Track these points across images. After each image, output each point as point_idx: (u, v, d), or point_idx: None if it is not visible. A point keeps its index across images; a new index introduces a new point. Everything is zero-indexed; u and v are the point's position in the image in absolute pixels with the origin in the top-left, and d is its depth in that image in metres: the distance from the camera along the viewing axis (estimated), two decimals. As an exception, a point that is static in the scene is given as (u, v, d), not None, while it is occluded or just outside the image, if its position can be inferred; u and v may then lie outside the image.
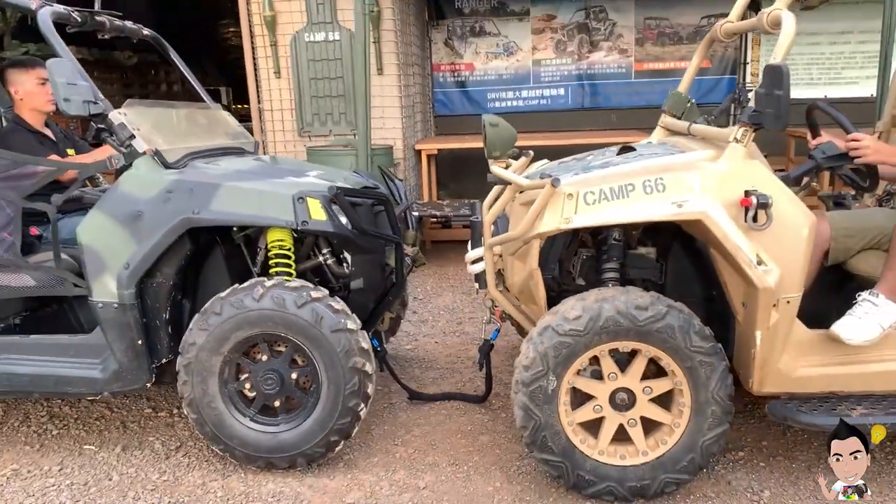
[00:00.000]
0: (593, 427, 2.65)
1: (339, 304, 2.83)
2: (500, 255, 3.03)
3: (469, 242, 3.29)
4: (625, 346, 2.53)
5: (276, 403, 2.87)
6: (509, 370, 3.76)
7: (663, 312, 2.48)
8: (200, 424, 2.85)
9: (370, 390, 2.84)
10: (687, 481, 2.60)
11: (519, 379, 2.58)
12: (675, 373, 2.53)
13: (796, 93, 7.94)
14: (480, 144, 6.81)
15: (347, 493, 2.74)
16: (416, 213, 6.10)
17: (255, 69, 6.24)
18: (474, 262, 3.08)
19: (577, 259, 3.05)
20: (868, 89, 7.55)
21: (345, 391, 2.75)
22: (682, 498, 2.64)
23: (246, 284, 2.81)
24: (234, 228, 3.13)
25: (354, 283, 3.20)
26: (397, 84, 6.23)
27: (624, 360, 2.60)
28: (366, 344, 2.83)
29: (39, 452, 3.11)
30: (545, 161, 3.60)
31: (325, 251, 3.20)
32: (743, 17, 3.32)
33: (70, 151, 3.73)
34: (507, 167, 3.05)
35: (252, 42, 6.19)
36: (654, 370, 2.61)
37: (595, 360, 2.58)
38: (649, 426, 2.63)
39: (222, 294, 2.80)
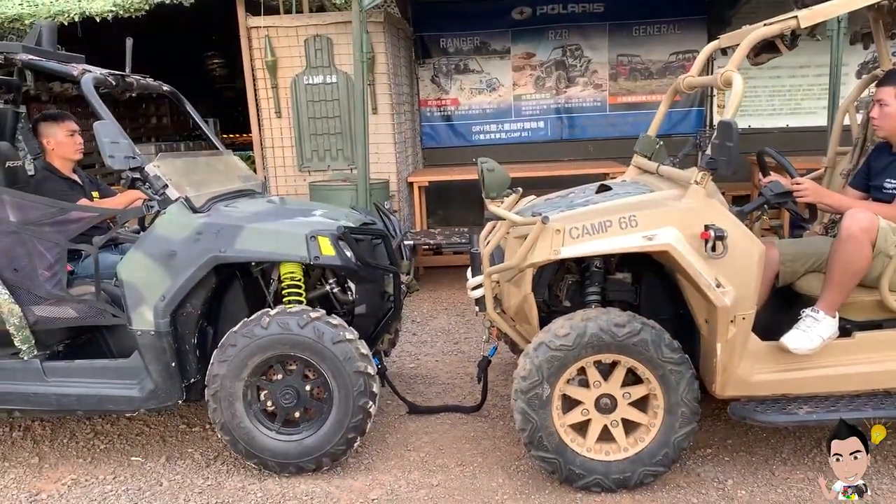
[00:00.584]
0: (582, 428, 3.09)
1: (336, 320, 3.25)
2: (498, 282, 3.48)
3: (469, 271, 3.74)
4: (607, 358, 2.98)
5: (297, 414, 3.28)
6: (504, 383, 4.22)
7: (638, 329, 2.94)
8: (234, 444, 3.25)
9: (375, 389, 3.26)
10: (662, 473, 3.04)
11: (518, 388, 3.01)
12: (649, 380, 2.99)
13: (760, 122, 8.58)
14: (467, 176, 7.40)
15: (370, 490, 3.16)
16: (410, 242, 6.55)
17: (258, 110, 6.68)
18: (474, 288, 3.53)
19: (563, 284, 3.51)
20: (824, 119, 8.13)
21: (353, 393, 3.17)
22: (659, 488, 3.08)
23: (254, 316, 3.24)
24: (253, 263, 3.54)
25: (358, 309, 3.62)
26: (391, 122, 6.69)
27: (606, 370, 3.05)
28: (365, 350, 3.25)
29: (92, 464, 3.50)
30: (532, 197, 4.06)
31: (331, 281, 3.62)
32: (705, 72, 3.83)
33: (95, 194, 4.12)
34: (500, 203, 3.52)
35: (254, 84, 6.63)
36: (632, 378, 3.06)
37: (582, 370, 3.02)
38: (629, 426, 3.08)
39: (235, 329, 3.22)
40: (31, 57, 3.42)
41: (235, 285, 3.56)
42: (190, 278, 3.20)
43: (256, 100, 6.66)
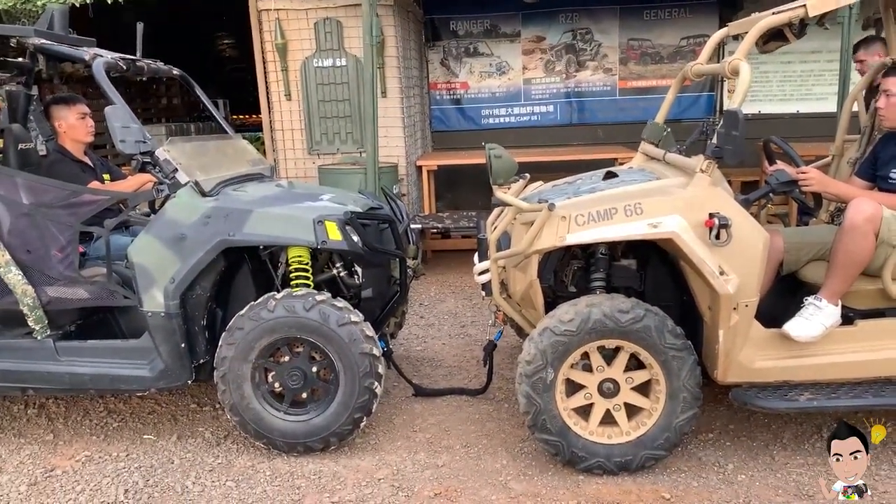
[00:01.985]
0: (584, 412, 3.14)
1: (341, 302, 3.31)
2: (504, 268, 3.53)
3: (476, 256, 3.78)
4: (610, 343, 3.03)
5: (304, 396, 3.35)
6: (510, 367, 4.27)
7: (642, 315, 2.98)
8: (243, 425, 3.32)
9: (381, 370, 3.32)
10: (664, 457, 3.09)
11: (522, 372, 3.06)
12: (652, 365, 3.03)
13: (771, 108, 8.53)
14: (475, 161, 7.42)
15: (377, 470, 3.22)
16: (418, 226, 6.60)
17: (268, 92, 6.71)
18: (481, 273, 3.58)
19: (569, 270, 3.54)
20: (836, 105, 8.10)
21: (359, 374, 3.23)
22: (661, 471, 3.13)
23: (260, 300, 3.30)
24: (261, 247, 3.60)
25: (364, 293, 3.67)
26: (400, 105, 6.72)
27: (609, 355, 3.09)
28: (370, 332, 3.31)
29: (105, 441, 3.58)
30: (540, 183, 4.08)
31: (338, 265, 3.67)
32: (714, 59, 3.83)
33: (106, 177, 4.17)
34: (507, 189, 3.55)
35: (265, 67, 6.66)
36: (635, 363, 3.10)
37: (585, 355, 3.07)
38: (631, 410, 3.13)
39: (242, 312, 3.28)
40: (43, 41, 3.46)
41: (244, 268, 3.62)
42: (199, 261, 3.26)
43: (266, 82, 6.69)
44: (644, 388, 3.12)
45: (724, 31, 3.74)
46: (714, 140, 3.01)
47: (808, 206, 3.39)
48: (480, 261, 3.62)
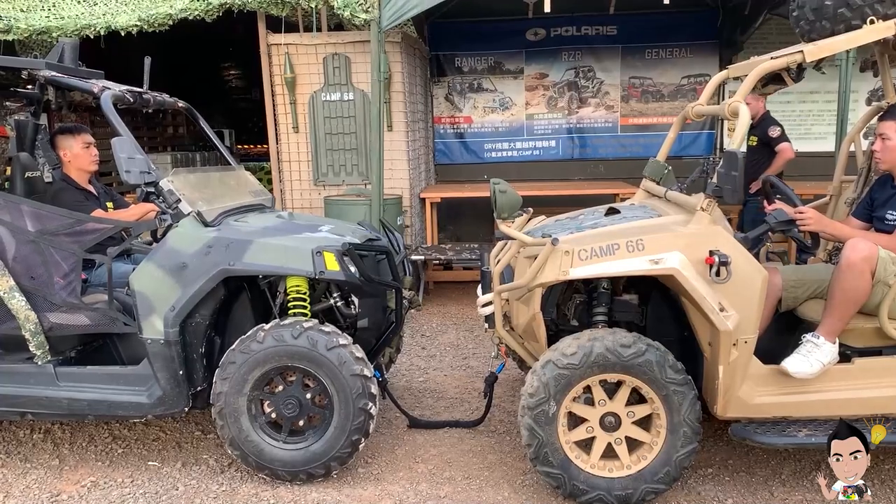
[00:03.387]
0: (586, 445, 3.18)
1: (329, 327, 3.37)
2: (507, 300, 3.59)
3: (479, 288, 3.84)
4: (612, 377, 3.08)
5: (301, 423, 3.39)
6: (511, 399, 4.31)
7: (643, 350, 3.03)
8: (244, 458, 3.36)
9: (374, 389, 3.36)
10: (664, 491, 3.13)
11: (525, 404, 3.11)
12: (653, 400, 3.08)
13: (770, 147, 8.62)
14: (477, 193, 7.51)
15: (379, 500, 3.25)
16: (421, 257, 6.68)
17: (276, 124, 6.82)
18: (485, 305, 3.63)
19: (571, 304, 3.61)
20: (834, 145, 8.23)
21: (352, 396, 3.28)
22: (660, 505, 3.17)
23: (249, 333, 3.36)
24: (260, 276, 3.66)
25: (361, 323, 3.73)
26: (405, 139, 6.83)
27: (612, 389, 3.14)
28: (359, 353, 3.36)
29: (110, 467, 3.60)
30: (543, 217, 4.16)
31: (335, 295, 3.73)
32: (714, 99, 3.93)
33: (109, 205, 4.25)
34: (511, 223, 3.63)
35: (273, 100, 6.79)
36: (636, 397, 3.15)
37: (588, 388, 3.12)
38: (632, 444, 3.17)
39: (233, 346, 3.35)
40: (53, 74, 3.57)
41: (243, 297, 3.70)
42: (199, 290, 3.32)
43: (275, 115, 6.81)
44: (645, 422, 3.16)
45: (724, 73, 3.85)
46: (714, 179, 3.10)
47: (805, 245, 3.46)
48: (484, 293, 3.68)
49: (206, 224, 3.42)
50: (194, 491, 3.35)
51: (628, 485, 3.11)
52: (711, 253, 2.96)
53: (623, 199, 6.44)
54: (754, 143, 6.33)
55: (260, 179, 17.93)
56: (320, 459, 3.34)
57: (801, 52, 3.11)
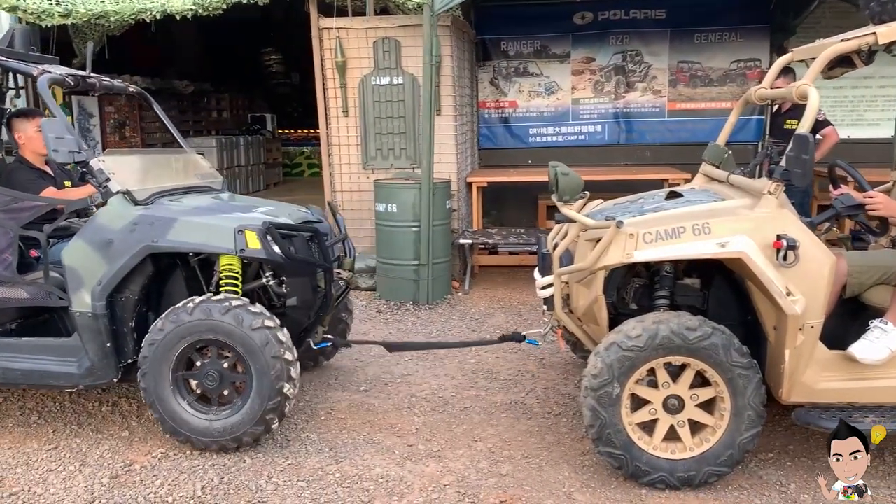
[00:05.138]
0: (647, 426, 3.20)
1: (258, 308, 3.45)
2: (567, 283, 3.61)
3: (536, 271, 3.87)
4: (676, 360, 3.09)
5: (219, 396, 3.50)
6: (564, 382, 4.36)
7: (709, 333, 3.03)
8: (162, 420, 3.50)
9: (293, 374, 3.45)
10: (726, 473, 3.13)
11: (588, 385, 3.13)
12: (717, 383, 3.08)
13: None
14: (524, 178, 7.50)
15: (442, 477, 3.31)
16: (468, 241, 6.72)
17: (326, 109, 6.89)
18: (544, 287, 3.66)
19: (630, 287, 3.62)
20: (888, 131, 8.06)
21: (271, 377, 3.36)
22: (723, 488, 3.17)
23: (181, 304, 3.47)
24: (190, 254, 3.76)
25: (290, 301, 3.81)
26: (453, 123, 6.85)
27: (675, 372, 3.15)
28: (283, 337, 3.44)
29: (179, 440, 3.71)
30: (599, 201, 4.15)
31: (268, 274, 3.81)
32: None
33: (67, 184, 4.35)
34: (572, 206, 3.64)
35: (324, 84, 6.84)
36: (699, 380, 3.16)
37: (651, 371, 3.13)
38: (695, 427, 3.18)
39: (164, 315, 3.46)
40: None
41: (177, 274, 3.82)
42: (124, 265, 3.47)
43: (325, 99, 6.87)
44: (708, 406, 3.17)
45: (788, 56, 3.81)
46: (783, 163, 3.08)
47: (873, 231, 3.42)
48: (543, 276, 3.71)
49: (136, 203, 3.54)
50: (261, 464, 3.44)
51: (691, 467, 3.12)
52: (779, 237, 2.95)
53: (672, 185, 6.38)
54: (794, 127, 6.24)
55: (299, 164, 18.10)
56: (231, 434, 3.44)
57: (874, 34, 3.06)
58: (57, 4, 6.64)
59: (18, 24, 6.26)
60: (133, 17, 6.60)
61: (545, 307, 3.74)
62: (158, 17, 6.61)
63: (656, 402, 3.15)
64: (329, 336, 4.24)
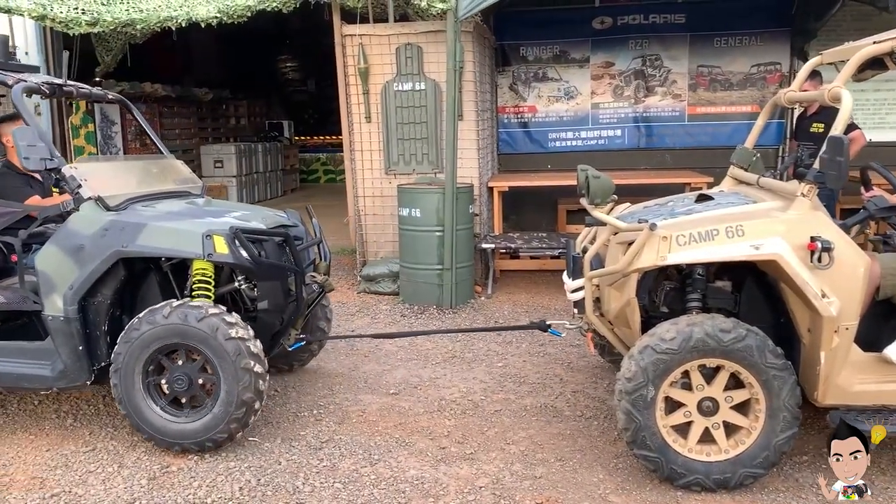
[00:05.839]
0: (682, 429, 3.21)
1: (233, 317, 3.49)
2: (598, 286, 3.62)
3: (565, 274, 3.89)
4: (711, 362, 3.10)
5: (184, 400, 3.54)
6: (594, 385, 4.37)
7: (744, 335, 3.04)
8: (130, 417, 3.54)
9: (262, 387, 3.49)
10: (762, 475, 3.14)
11: (622, 388, 3.14)
12: (752, 385, 3.08)
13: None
14: (545, 182, 7.51)
15: (476, 479, 3.33)
16: (490, 245, 6.74)
17: (349, 115, 6.93)
18: (574, 290, 3.67)
19: (661, 290, 3.63)
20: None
21: (239, 387, 3.40)
22: (758, 490, 3.17)
23: (158, 305, 3.51)
24: (163, 258, 3.80)
25: (261, 305, 3.84)
26: (475, 129, 6.88)
27: (709, 374, 3.16)
28: (256, 349, 3.48)
29: (213, 442, 3.76)
30: (627, 204, 4.17)
31: (240, 278, 3.84)
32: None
33: (55, 190, 4.41)
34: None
35: (346, 90, 6.89)
36: (733, 382, 3.16)
37: (685, 373, 3.14)
38: (729, 429, 3.18)
39: (140, 315, 3.50)
40: None
41: (151, 279, 3.87)
42: (95, 270, 3.52)
43: (348, 105, 6.91)
44: (742, 407, 3.17)
45: (817, 59, 3.81)
46: (816, 165, 3.09)
47: (906, 233, 3.43)
48: (573, 279, 3.72)
49: (107, 208, 3.59)
50: (297, 465, 3.47)
51: (726, 469, 3.13)
52: (813, 239, 2.96)
53: (693, 189, 6.38)
54: (821, 131, 6.23)
55: (315, 171, 18.22)
56: (195, 437, 3.49)
57: (909, 36, 3.07)
58: (83, 13, 6.72)
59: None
60: (159, 24, 6.68)
61: (575, 310, 3.76)
62: (184, 24, 6.67)
63: (691, 404, 3.16)
64: (302, 336, 4.29)
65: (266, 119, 16.67)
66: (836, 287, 2.99)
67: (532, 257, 7.45)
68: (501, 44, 8.66)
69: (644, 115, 8.72)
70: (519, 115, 8.92)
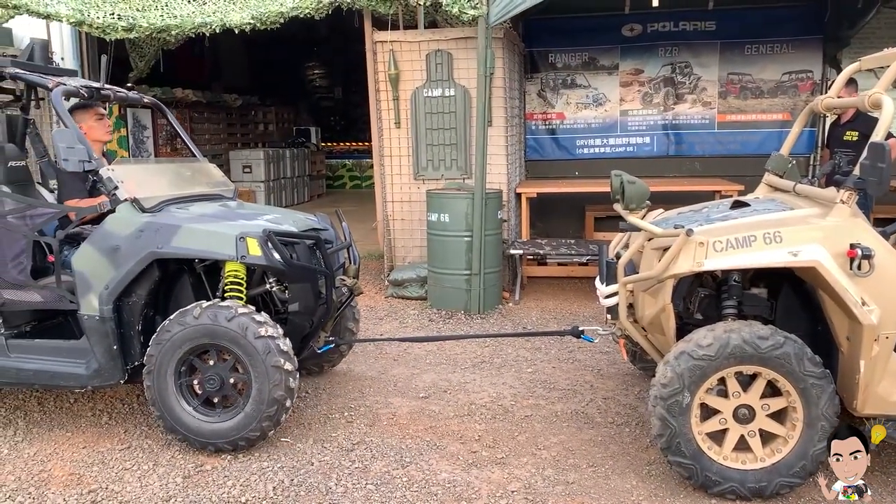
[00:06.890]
0: (717, 436, 3.18)
1: (262, 316, 3.53)
2: (632, 292, 3.61)
3: (598, 279, 3.88)
4: (748, 369, 3.07)
5: (216, 399, 3.58)
6: (624, 392, 4.34)
7: (781, 342, 3.01)
8: (162, 418, 3.59)
9: (292, 384, 3.52)
10: (798, 485, 3.10)
11: (657, 395, 3.13)
12: (789, 393, 3.05)
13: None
14: (573, 189, 7.50)
15: (508, 483, 3.32)
16: (519, 251, 6.74)
17: (379, 120, 6.98)
18: (608, 296, 3.66)
19: (696, 296, 3.60)
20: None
21: (270, 385, 3.43)
22: (794, 500, 3.13)
23: (189, 307, 3.56)
24: (196, 260, 3.84)
25: (292, 307, 3.86)
26: (504, 135, 6.89)
27: (746, 382, 3.13)
28: (286, 347, 3.51)
29: (246, 443, 3.79)
30: (661, 210, 4.15)
31: (271, 280, 3.87)
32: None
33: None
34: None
35: (377, 96, 6.94)
36: (770, 390, 3.13)
37: (721, 380, 3.11)
38: (766, 437, 3.15)
39: (172, 316, 3.55)
40: (17, 70, 3.87)
41: (184, 280, 3.92)
42: (130, 270, 3.58)
43: (378, 111, 6.96)
44: (779, 416, 3.14)
45: (855, 65, 3.77)
46: (856, 171, 3.05)
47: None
48: (606, 284, 3.71)
49: (143, 210, 3.64)
50: (329, 466, 3.49)
51: (762, 477, 3.09)
52: (853, 246, 2.93)
53: (724, 196, 6.33)
54: (855, 139, 6.16)
55: (341, 176, 18.35)
56: (228, 436, 3.52)
57: (952, 41, 3.03)
58: (120, 19, 6.83)
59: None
60: (193, 30, 6.76)
61: (608, 316, 3.74)
62: (217, 30, 6.75)
63: (726, 411, 3.13)
64: (331, 338, 4.31)
65: (294, 125, 16.81)
66: (877, 295, 2.95)
67: (560, 264, 7.42)
68: (530, 50, 8.68)
69: (673, 122, 8.68)
70: (547, 122, 8.93)
